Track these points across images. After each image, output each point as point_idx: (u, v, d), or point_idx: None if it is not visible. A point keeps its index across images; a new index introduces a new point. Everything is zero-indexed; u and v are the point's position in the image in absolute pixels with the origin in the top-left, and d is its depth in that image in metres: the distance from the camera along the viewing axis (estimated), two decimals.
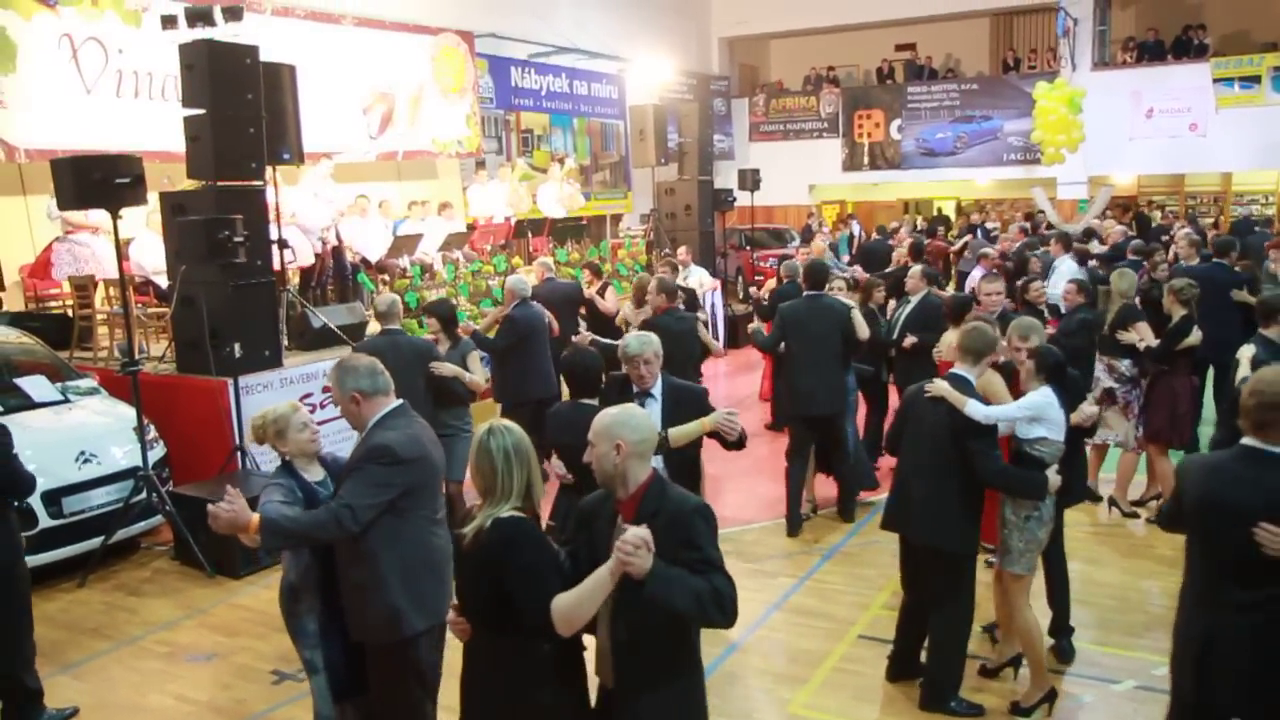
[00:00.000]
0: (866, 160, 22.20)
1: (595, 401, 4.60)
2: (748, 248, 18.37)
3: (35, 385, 7.29)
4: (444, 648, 3.87)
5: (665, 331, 6.19)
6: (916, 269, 8.14)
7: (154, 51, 10.55)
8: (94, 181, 6.43)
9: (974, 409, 4.41)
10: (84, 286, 9.08)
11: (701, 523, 2.85)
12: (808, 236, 19.65)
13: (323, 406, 7.91)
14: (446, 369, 6.55)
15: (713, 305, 13.21)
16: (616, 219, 18.77)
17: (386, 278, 10.54)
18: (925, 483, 4.60)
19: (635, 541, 2.64)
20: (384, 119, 13.26)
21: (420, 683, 3.76)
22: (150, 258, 9.16)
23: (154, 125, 10.52)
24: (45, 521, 6.52)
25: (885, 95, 22.31)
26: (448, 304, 7.57)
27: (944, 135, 21.32)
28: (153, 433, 7.32)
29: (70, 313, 9.59)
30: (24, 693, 4.78)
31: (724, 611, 2.77)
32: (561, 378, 5.22)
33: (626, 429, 2.90)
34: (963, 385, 4.52)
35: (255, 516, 3.46)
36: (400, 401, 3.81)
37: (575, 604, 2.78)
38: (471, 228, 12.91)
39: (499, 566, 2.88)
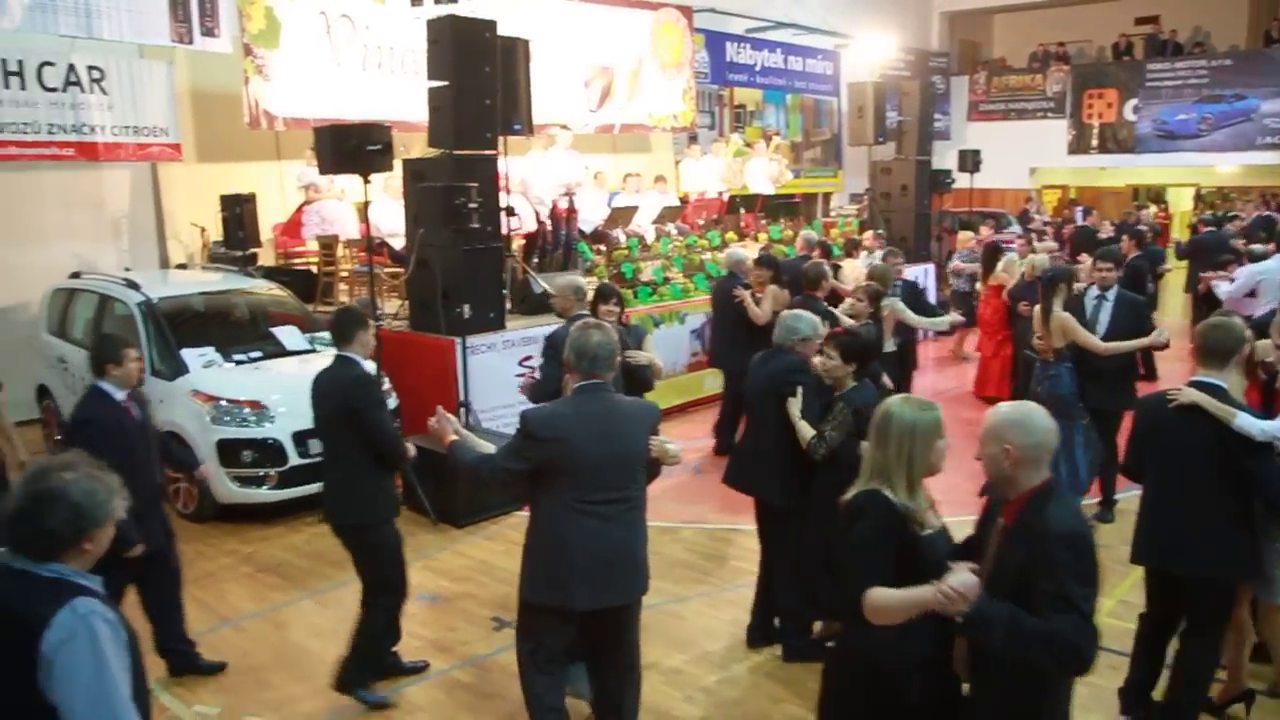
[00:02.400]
0: (1095, 142, 20.96)
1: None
2: (961, 231, 17.68)
3: (288, 335, 7.94)
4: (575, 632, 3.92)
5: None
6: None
7: (396, 27, 11.23)
8: (349, 148, 6.91)
9: (1246, 423, 3.90)
10: (329, 246, 9.77)
11: (1066, 553, 2.62)
12: (1026, 221, 18.77)
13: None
14: (642, 356, 6.52)
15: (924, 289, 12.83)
16: (827, 197, 18.51)
17: (603, 248, 10.79)
18: (1187, 507, 4.07)
19: (952, 595, 2.55)
20: (604, 92, 13.57)
21: (528, 650, 3.92)
22: (387, 221, 9.75)
23: (393, 96, 11.19)
24: (294, 460, 7.10)
25: (1121, 73, 20.94)
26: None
27: (1186, 116, 19.83)
28: (386, 384, 7.81)
29: (315, 269, 10.35)
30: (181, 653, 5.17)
31: (1060, 660, 2.59)
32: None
33: (1018, 430, 2.75)
34: (1219, 394, 4.03)
35: (452, 438, 3.90)
36: (592, 381, 3.77)
37: (885, 604, 2.72)
38: (684, 202, 13.04)
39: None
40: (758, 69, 17.17)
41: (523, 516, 6.14)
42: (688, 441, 8.95)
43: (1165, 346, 6.80)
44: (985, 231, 12.64)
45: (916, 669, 2.86)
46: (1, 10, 8.68)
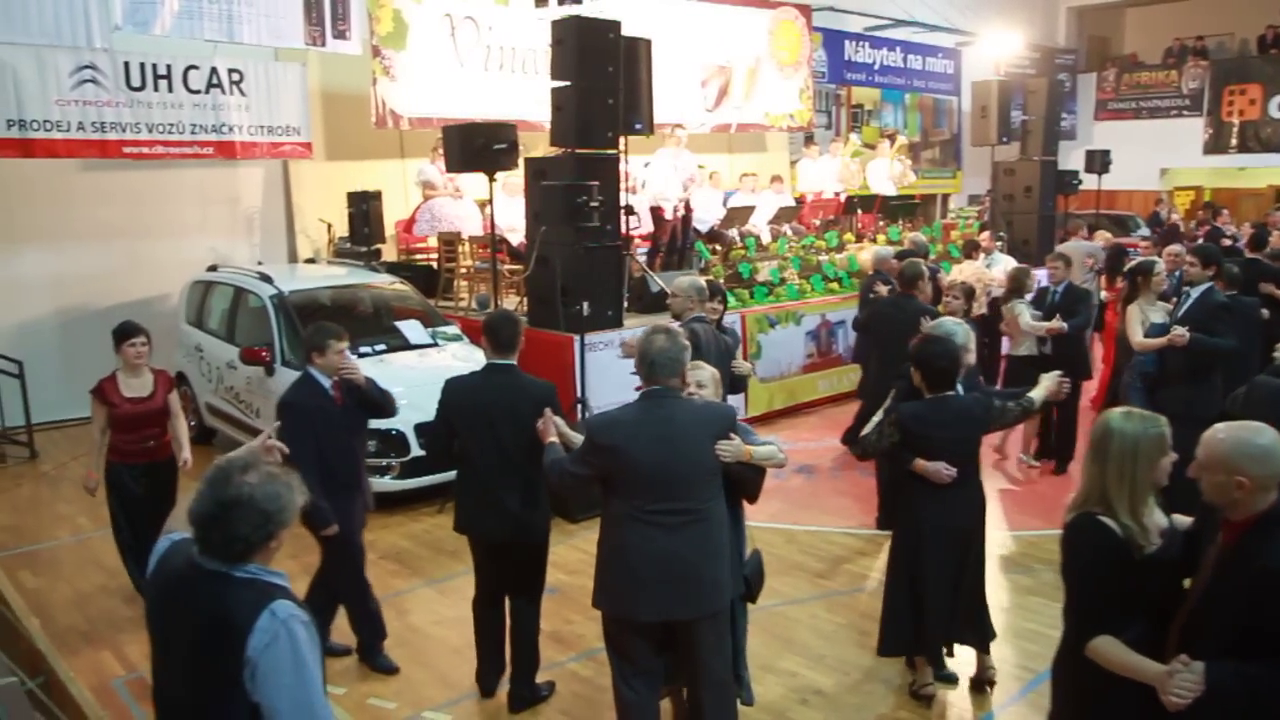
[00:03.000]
0: (1234, 141, 19.94)
1: (957, 391, 4.51)
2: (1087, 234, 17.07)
3: (411, 329, 8.14)
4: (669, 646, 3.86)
5: (886, 318, 6.38)
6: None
7: (518, 29, 11.42)
8: (477, 147, 7.07)
9: None
10: (451, 242, 9.99)
11: None
12: (1155, 224, 18.01)
13: None
14: (744, 367, 6.40)
15: None
16: (945, 199, 18.11)
17: (718, 247, 10.77)
18: None
19: (1183, 694, 2.42)
20: (720, 91, 13.55)
21: (614, 663, 3.91)
22: (505, 218, 9.92)
23: (513, 96, 11.39)
24: (416, 451, 7.28)
25: (1267, 67, 19.86)
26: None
27: None
28: None
29: (436, 265, 10.60)
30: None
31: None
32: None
33: (1255, 462, 2.49)
34: None
35: (551, 439, 4.08)
36: (654, 387, 3.70)
37: (1108, 658, 2.64)
38: (800, 202, 12.91)
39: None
40: (876, 68, 16.91)
41: None
42: (797, 444, 8.88)
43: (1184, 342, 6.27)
44: (1103, 235, 12.09)
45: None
46: (153, 17, 9.14)
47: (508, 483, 4.46)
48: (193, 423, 9.25)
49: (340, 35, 10.39)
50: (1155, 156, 20.61)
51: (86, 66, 9.09)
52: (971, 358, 4.90)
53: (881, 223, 13.12)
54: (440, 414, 4.62)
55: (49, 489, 8.40)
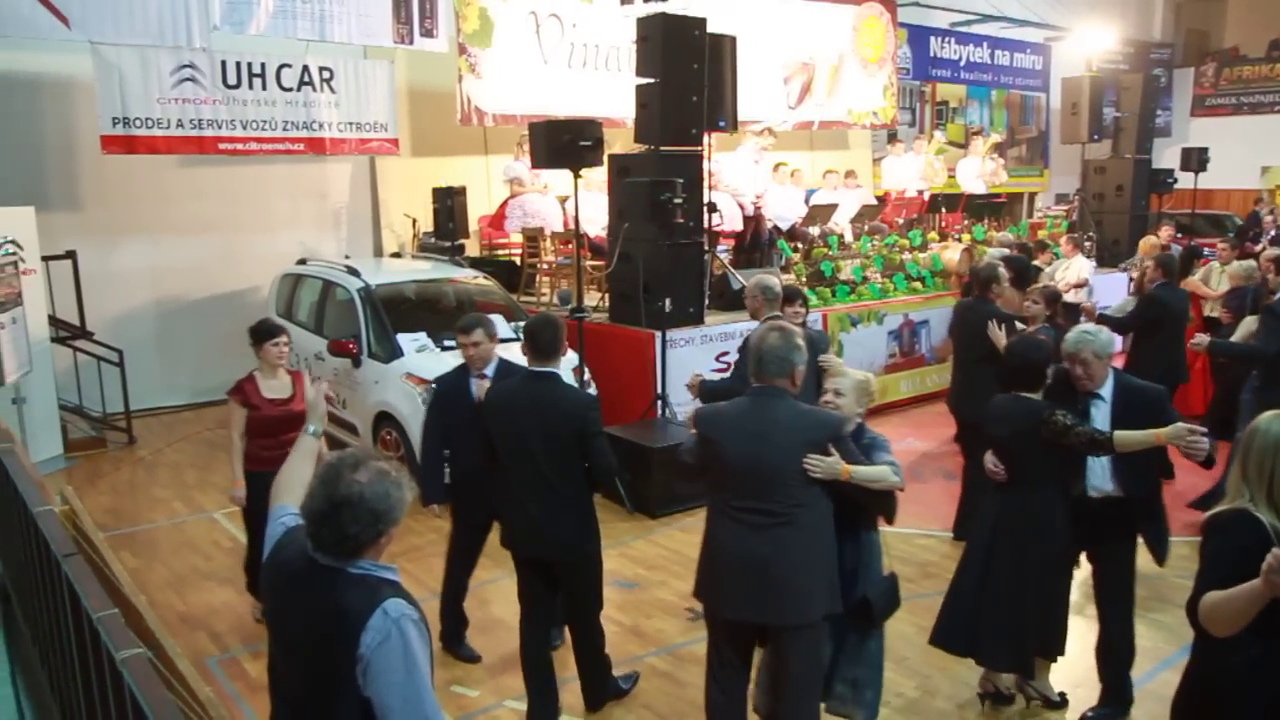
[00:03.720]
0: None
1: (1037, 395, 4.35)
2: (1182, 235, 16.54)
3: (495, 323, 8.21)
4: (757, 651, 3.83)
5: (961, 323, 6.42)
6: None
7: (602, 26, 11.47)
8: (562, 144, 7.11)
9: None
10: (534, 238, 10.08)
11: None
12: (1254, 224, 17.35)
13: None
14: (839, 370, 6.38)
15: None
16: (1031, 198, 17.71)
17: (799, 245, 10.69)
18: None
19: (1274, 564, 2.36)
20: (803, 88, 13.44)
21: (708, 651, 3.86)
22: (586, 214, 9.96)
23: (596, 93, 11.44)
24: None
25: None
26: None
27: None
28: (587, 375, 7.99)
29: (518, 261, 10.71)
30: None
31: None
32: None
33: None
34: None
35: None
36: (760, 384, 3.66)
37: (1215, 605, 2.59)
38: (883, 200, 12.75)
39: None
40: (962, 64, 16.61)
41: None
42: None
43: (1203, 348, 6.45)
44: (1165, 232, 11.58)
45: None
46: (249, 17, 9.40)
47: (539, 498, 4.27)
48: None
49: (427, 33, 10.55)
50: (1255, 154, 19.86)
51: (186, 66, 9.38)
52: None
53: (966, 221, 12.88)
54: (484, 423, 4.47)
55: (146, 473, 8.70)
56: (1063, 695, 4.65)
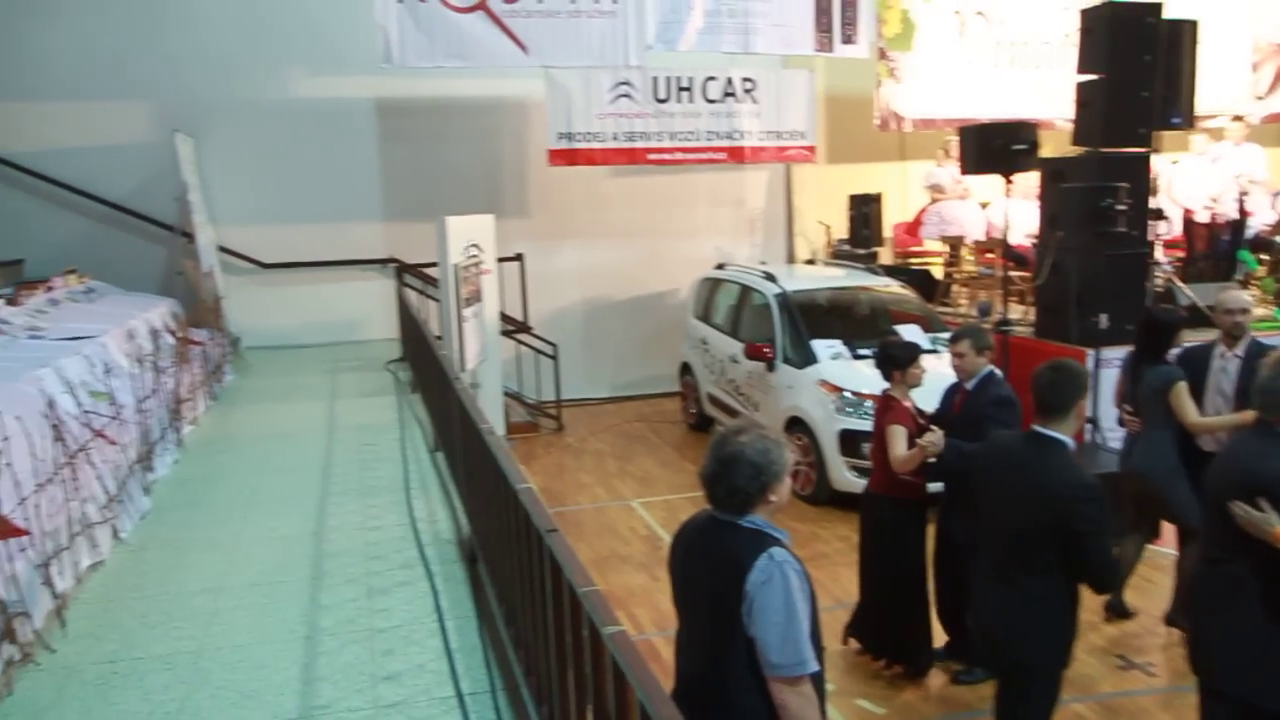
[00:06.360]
0: None
1: None
2: None
3: (911, 334, 7.99)
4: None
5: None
6: None
7: (1031, 21, 10.78)
8: (995, 148, 6.76)
9: None
10: (954, 246, 9.71)
11: None
12: None
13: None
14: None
15: None
16: None
17: (1265, 256, 9.35)
18: None
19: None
20: (1276, 75, 11.76)
21: None
22: (1015, 221, 9.40)
23: (1020, 94, 10.81)
24: None
25: None
26: None
27: None
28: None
29: (933, 270, 10.37)
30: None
31: None
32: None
33: None
34: None
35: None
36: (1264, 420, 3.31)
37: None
38: None
39: None
40: None
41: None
42: None
43: None
44: None
45: None
46: (679, 35, 9.94)
47: (990, 586, 3.59)
48: (693, 410, 9.94)
49: (848, 40, 10.52)
50: None
51: (622, 83, 10.11)
52: None
53: None
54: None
55: (572, 459, 9.48)
56: None
